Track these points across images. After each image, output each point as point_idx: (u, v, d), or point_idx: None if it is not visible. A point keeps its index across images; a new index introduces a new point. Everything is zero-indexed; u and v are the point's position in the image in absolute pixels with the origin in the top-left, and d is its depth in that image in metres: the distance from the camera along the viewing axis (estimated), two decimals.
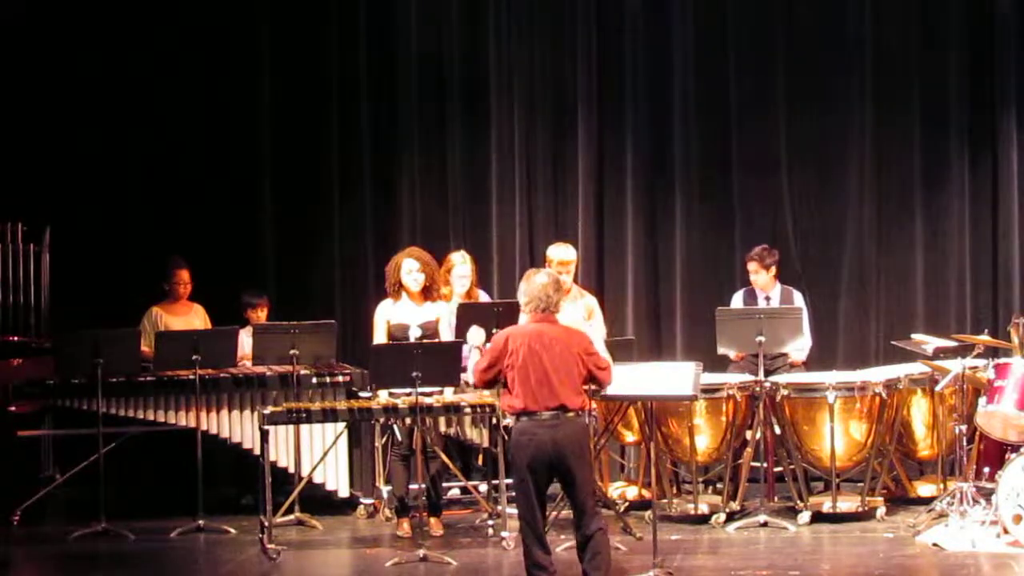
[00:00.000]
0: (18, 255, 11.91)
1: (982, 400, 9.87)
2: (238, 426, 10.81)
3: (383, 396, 10.03)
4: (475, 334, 9.42)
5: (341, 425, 10.39)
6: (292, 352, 10.62)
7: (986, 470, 9.93)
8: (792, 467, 10.62)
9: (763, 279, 11.29)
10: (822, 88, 12.34)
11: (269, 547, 9.76)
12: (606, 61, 12.50)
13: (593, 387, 8.58)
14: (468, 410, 10.07)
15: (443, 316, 10.44)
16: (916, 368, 10.64)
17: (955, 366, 10.06)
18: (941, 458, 10.81)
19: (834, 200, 12.38)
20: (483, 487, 10.90)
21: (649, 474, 10.61)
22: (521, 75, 12.54)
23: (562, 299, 8.38)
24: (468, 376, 10.25)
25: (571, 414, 8.16)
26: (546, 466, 8.12)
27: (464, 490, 11.18)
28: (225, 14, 12.51)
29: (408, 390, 9.66)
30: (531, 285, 8.29)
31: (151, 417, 10.74)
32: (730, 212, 12.41)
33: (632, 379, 9.10)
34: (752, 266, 11.27)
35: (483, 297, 11.15)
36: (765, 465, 10.76)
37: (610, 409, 10.48)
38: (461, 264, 11.00)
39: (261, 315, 11.54)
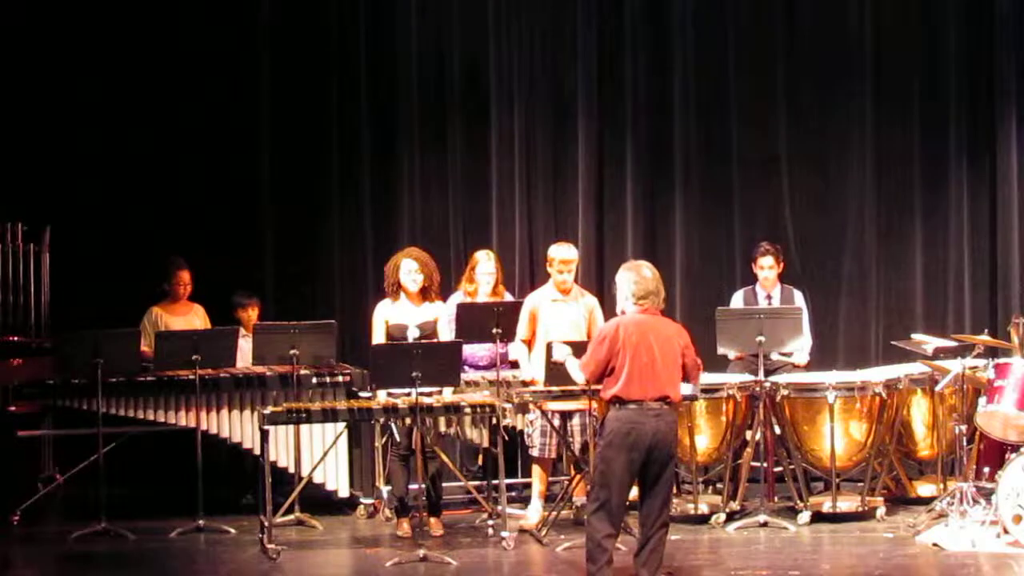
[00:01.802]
0: (18, 255, 11.92)
1: (982, 400, 9.88)
2: (238, 426, 10.81)
3: (382, 396, 10.03)
4: (559, 350, 9.26)
5: (341, 425, 10.39)
6: (292, 352, 10.62)
7: (986, 470, 9.93)
8: (792, 467, 10.62)
9: (773, 276, 11.31)
10: (822, 88, 12.35)
11: (269, 547, 9.76)
12: (606, 61, 12.51)
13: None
14: (468, 410, 10.07)
15: (442, 316, 10.45)
16: (916, 368, 10.65)
17: (955, 366, 10.07)
18: (941, 458, 10.81)
19: (834, 200, 12.39)
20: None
21: None
22: (521, 75, 12.55)
23: (664, 295, 8.58)
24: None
25: (669, 407, 8.33)
26: (642, 454, 8.26)
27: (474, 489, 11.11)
28: (225, 14, 12.50)
29: (408, 390, 9.66)
30: (642, 278, 8.46)
31: (151, 417, 10.74)
32: (730, 212, 12.42)
33: None
34: (768, 260, 11.27)
35: (508, 297, 11.17)
36: (765, 465, 10.76)
37: None
38: (486, 261, 11.06)
39: (252, 315, 11.56)
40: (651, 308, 8.46)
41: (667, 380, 8.35)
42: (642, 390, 8.29)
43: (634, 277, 8.49)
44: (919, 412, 10.82)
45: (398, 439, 10.24)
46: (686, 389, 9.54)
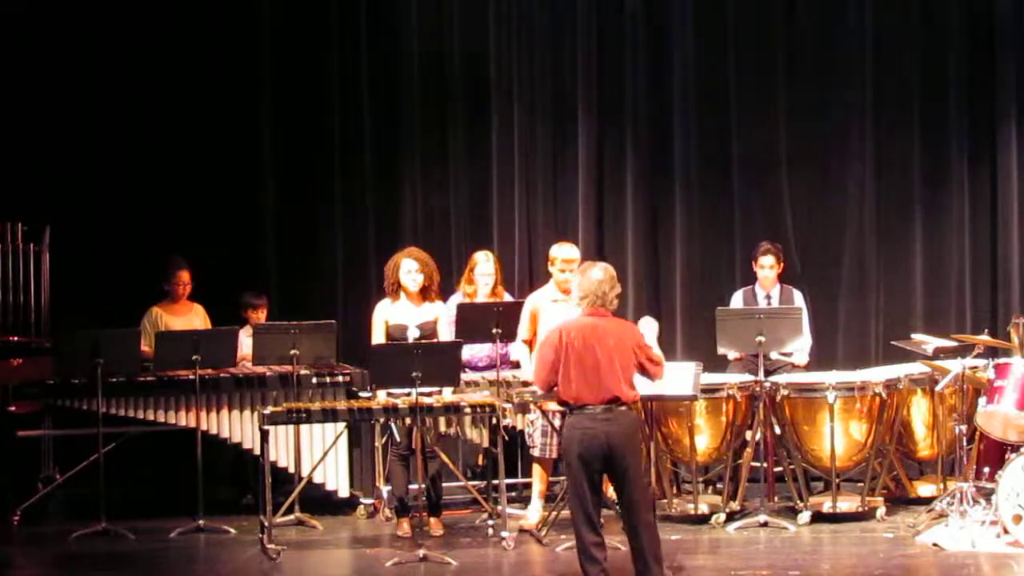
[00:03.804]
0: (18, 255, 11.91)
1: (982, 400, 9.88)
2: (238, 426, 10.81)
3: (381, 396, 10.02)
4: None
5: (341, 425, 10.39)
6: (292, 352, 10.63)
7: (986, 470, 9.93)
8: (792, 467, 10.62)
9: (773, 275, 11.31)
10: (822, 88, 12.34)
11: (269, 547, 9.76)
12: (606, 61, 12.51)
13: None
14: (468, 410, 10.07)
15: (441, 316, 10.45)
16: (916, 368, 10.65)
17: (955, 366, 10.07)
18: (941, 458, 10.81)
19: (834, 200, 12.38)
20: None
21: (649, 474, 10.61)
22: (521, 75, 12.55)
23: (617, 296, 8.47)
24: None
25: (623, 407, 8.27)
26: (599, 459, 8.22)
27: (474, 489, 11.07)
28: (226, 13, 12.50)
29: (407, 390, 9.66)
30: (586, 280, 8.40)
31: (151, 417, 10.75)
32: (730, 212, 12.41)
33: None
34: (769, 260, 11.28)
35: (507, 297, 11.17)
36: (765, 465, 10.76)
37: None
38: (485, 263, 11.05)
39: (261, 316, 11.55)
40: (597, 310, 8.38)
41: (614, 382, 8.26)
42: (588, 394, 8.24)
43: (577, 279, 8.50)
44: (919, 412, 10.82)
45: (398, 439, 10.24)
46: (684, 388, 9.55)
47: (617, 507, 8.53)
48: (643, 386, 8.99)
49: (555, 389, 8.41)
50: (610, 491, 8.71)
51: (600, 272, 8.43)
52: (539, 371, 8.47)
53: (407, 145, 12.62)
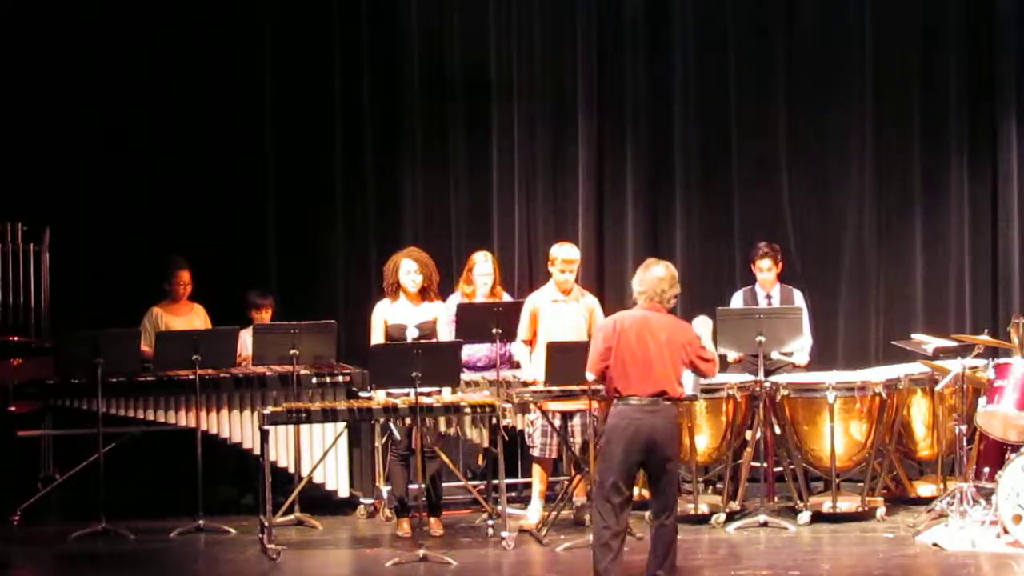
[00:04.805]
0: (18, 255, 11.90)
1: (982, 400, 9.89)
2: (238, 426, 10.81)
3: (380, 396, 10.02)
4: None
5: (341, 425, 10.40)
6: (292, 352, 10.63)
7: (986, 470, 9.93)
8: (792, 467, 10.62)
9: (772, 276, 11.31)
10: (822, 88, 12.36)
11: (269, 547, 9.76)
12: (606, 61, 12.51)
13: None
14: (468, 410, 10.07)
15: (441, 316, 10.44)
16: (916, 368, 10.66)
17: (955, 366, 10.07)
18: (941, 458, 10.82)
19: (834, 200, 12.40)
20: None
21: None
22: (522, 75, 12.55)
23: (675, 295, 8.58)
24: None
25: (668, 402, 8.36)
26: (641, 450, 8.31)
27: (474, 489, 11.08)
28: (227, 13, 12.50)
29: (407, 390, 9.66)
30: (648, 275, 8.55)
31: (151, 417, 10.74)
32: (730, 212, 12.42)
33: None
34: (767, 263, 11.28)
35: (506, 297, 11.17)
36: (765, 465, 10.76)
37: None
38: (484, 263, 11.05)
39: (266, 316, 11.55)
40: (654, 305, 8.49)
41: (663, 376, 8.37)
42: (637, 385, 8.34)
43: (639, 275, 8.63)
44: (919, 412, 10.83)
45: (398, 439, 10.25)
46: (687, 386, 9.55)
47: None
48: None
49: (606, 375, 8.49)
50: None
51: (662, 270, 8.56)
52: (591, 357, 8.56)
53: (407, 145, 12.62)
